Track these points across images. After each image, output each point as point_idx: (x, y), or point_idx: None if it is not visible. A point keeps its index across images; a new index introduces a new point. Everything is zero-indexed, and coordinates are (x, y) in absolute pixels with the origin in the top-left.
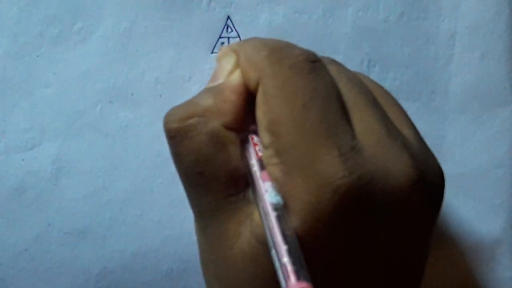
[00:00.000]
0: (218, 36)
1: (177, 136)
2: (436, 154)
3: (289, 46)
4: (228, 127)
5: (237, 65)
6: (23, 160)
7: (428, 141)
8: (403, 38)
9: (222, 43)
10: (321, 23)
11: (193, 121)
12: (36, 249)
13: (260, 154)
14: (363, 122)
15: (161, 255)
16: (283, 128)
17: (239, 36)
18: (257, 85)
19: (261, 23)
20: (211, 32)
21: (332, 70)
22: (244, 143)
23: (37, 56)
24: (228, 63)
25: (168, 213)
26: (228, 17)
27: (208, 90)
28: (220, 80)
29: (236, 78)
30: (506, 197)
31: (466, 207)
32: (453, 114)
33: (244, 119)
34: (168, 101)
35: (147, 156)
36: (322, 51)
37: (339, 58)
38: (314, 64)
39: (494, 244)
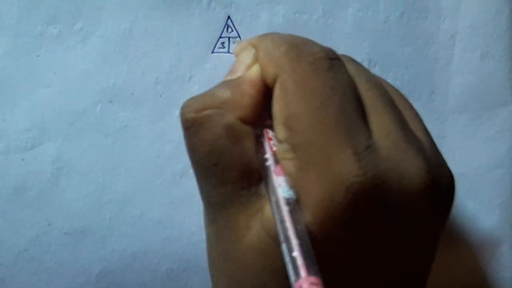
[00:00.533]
0: (218, 36)
1: (192, 126)
2: None
3: (308, 42)
4: (244, 121)
5: (256, 59)
6: (23, 160)
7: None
8: (403, 38)
9: (223, 43)
10: (321, 23)
11: (209, 112)
12: (36, 249)
13: (274, 148)
14: (380, 123)
15: (161, 255)
16: (299, 124)
17: (239, 36)
18: (275, 80)
19: (261, 23)
20: (211, 32)
21: (351, 68)
22: (259, 137)
23: (37, 56)
24: (247, 57)
25: (168, 213)
26: (228, 17)
27: (226, 83)
28: (238, 73)
29: (254, 72)
30: (506, 197)
31: (466, 207)
32: (453, 114)
33: (261, 114)
34: (168, 101)
35: (147, 156)
36: None
37: None
38: (333, 61)
39: (494, 244)
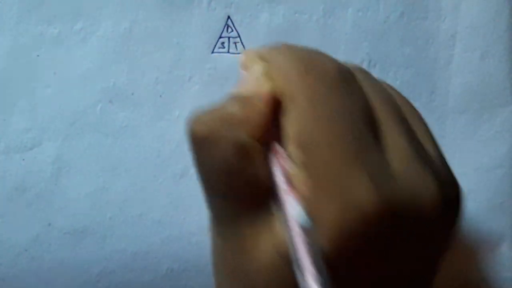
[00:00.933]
0: (218, 36)
1: (204, 143)
2: None
3: (320, 57)
4: (255, 138)
5: (266, 73)
6: (23, 160)
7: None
8: (403, 38)
9: (223, 43)
10: (321, 23)
11: (221, 129)
12: (36, 249)
13: (286, 167)
14: (393, 142)
15: (161, 255)
16: (314, 144)
17: (239, 36)
18: (288, 97)
19: (261, 23)
20: (211, 32)
21: (360, 80)
22: (270, 154)
23: (38, 56)
24: (256, 70)
25: (168, 213)
26: (229, 17)
27: (236, 98)
28: (248, 88)
29: (265, 87)
30: (506, 197)
31: (466, 207)
32: (453, 114)
33: (271, 130)
34: (168, 101)
35: (147, 156)
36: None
37: (339, 58)
38: (347, 78)
39: (494, 244)
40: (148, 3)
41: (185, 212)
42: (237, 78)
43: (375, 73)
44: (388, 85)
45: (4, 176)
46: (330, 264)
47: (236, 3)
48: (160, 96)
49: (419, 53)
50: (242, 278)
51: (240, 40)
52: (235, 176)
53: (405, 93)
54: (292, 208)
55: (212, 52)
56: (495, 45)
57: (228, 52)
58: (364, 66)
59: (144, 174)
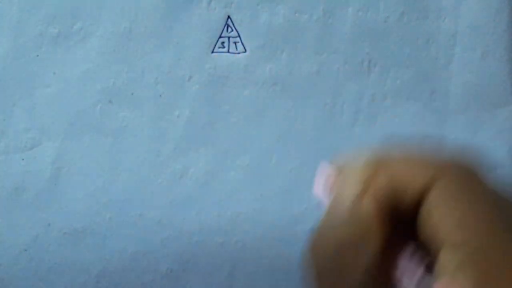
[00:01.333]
0: (218, 36)
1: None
2: None
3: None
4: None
5: (365, 190)
6: (23, 160)
7: (428, 141)
8: (403, 38)
9: (223, 42)
10: (321, 23)
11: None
12: (36, 249)
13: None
14: None
15: (161, 255)
16: (474, 230)
17: (239, 36)
18: (427, 189)
19: (261, 23)
20: (211, 32)
21: None
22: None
23: (37, 56)
24: (353, 185)
25: (168, 213)
26: (228, 17)
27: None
28: (345, 204)
29: (379, 195)
30: None
31: None
32: (454, 115)
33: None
34: (168, 101)
35: (147, 156)
36: (322, 51)
37: (339, 58)
38: (476, 170)
39: None
40: (148, 3)
41: (185, 212)
42: (237, 78)
43: (375, 73)
44: None
45: (4, 176)
46: None
47: (236, 3)
48: (160, 96)
49: (419, 53)
50: None
51: (240, 39)
52: None
53: (405, 93)
54: None
55: (212, 52)
56: (495, 45)
57: (228, 51)
58: (364, 66)
59: (144, 174)
